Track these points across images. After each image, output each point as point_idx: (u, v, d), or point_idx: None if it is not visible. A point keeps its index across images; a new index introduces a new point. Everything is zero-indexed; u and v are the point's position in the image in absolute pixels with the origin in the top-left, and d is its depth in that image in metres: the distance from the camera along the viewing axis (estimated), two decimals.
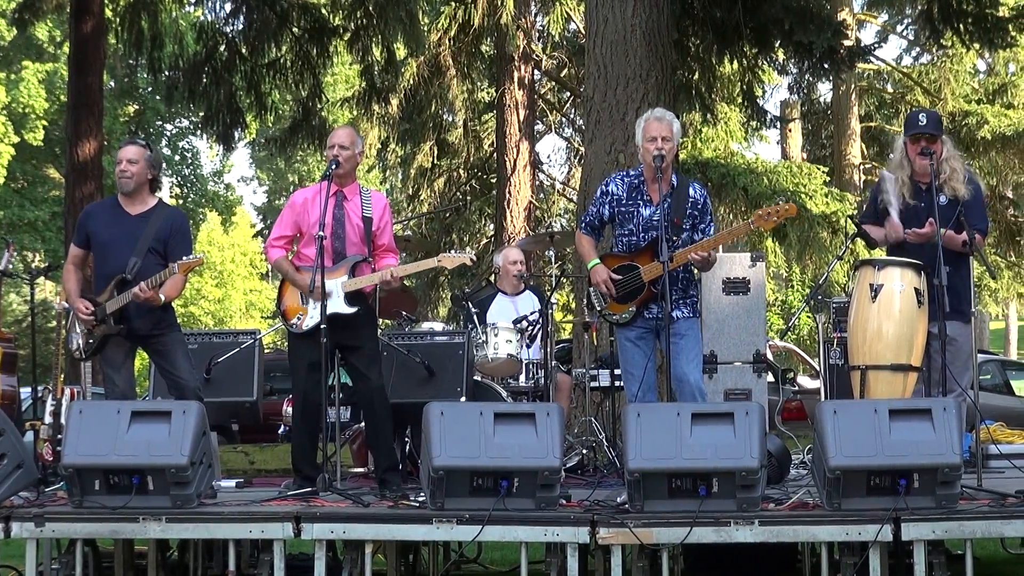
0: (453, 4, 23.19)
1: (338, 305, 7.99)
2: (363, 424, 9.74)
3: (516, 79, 23.76)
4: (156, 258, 8.17)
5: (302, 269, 8.17)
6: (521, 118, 23.81)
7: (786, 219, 8.47)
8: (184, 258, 8.05)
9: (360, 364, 8.24)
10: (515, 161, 23.67)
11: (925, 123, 8.21)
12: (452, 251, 8.32)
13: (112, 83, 34.66)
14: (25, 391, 12.18)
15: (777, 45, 15.89)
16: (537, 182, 25.86)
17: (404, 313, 10.40)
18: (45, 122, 35.83)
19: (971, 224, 7.92)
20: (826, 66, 15.94)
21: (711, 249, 7.94)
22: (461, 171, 27.11)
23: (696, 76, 17.33)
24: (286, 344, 8.91)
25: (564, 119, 28.63)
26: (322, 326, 7.73)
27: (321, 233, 7.84)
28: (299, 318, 8.13)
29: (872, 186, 8.76)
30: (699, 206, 8.08)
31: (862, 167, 28.41)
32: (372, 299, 8.41)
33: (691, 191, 8.10)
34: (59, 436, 9.30)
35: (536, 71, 25.29)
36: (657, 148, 7.88)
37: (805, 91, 26.76)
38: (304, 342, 8.06)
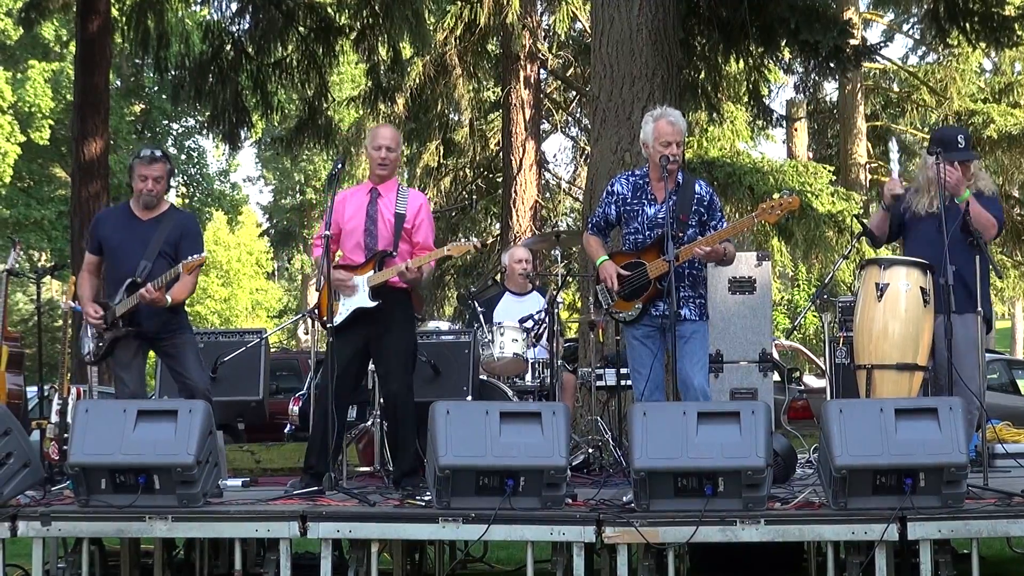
0: (459, 3, 23.18)
1: (362, 299, 8.09)
2: (369, 423, 9.77)
3: (522, 78, 23.76)
4: (167, 261, 8.20)
5: (340, 267, 8.29)
6: (527, 117, 23.81)
7: (790, 213, 8.46)
8: (189, 258, 8.07)
9: (385, 363, 8.26)
10: (521, 160, 23.67)
11: (964, 145, 8.18)
12: (461, 239, 8.37)
13: (118, 82, 34.69)
14: (31, 390, 12.22)
15: (783, 44, 15.86)
16: (543, 181, 25.86)
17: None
18: (51, 121, 35.86)
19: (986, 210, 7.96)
20: (832, 65, 15.91)
21: (717, 243, 7.92)
22: (467, 170, 27.13)
23: (702, 75, 17.32)
24: (293, 344, 8.94)
25: (570, 118, 28.65)
26: (328, 325, 7.80)
27: (327, 233, 7.93)
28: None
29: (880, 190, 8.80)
30: (705, 203, 8.07)
31: (868, 166, 28.42)
32: (407, 298, 8.39)
33: (696, 188, 8.09)
34: (65, 435, 9.34)
35: (542, 70, 25.30)
36: (673, 154, 7.88)
37: (811, 90, 26.77)
38: (336, 338, 8.11)
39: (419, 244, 8.29)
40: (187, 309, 8.62)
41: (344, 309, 8.15)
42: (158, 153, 8.45)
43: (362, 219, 8.21)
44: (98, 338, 8.35)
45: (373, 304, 8.10)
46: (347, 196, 8.44)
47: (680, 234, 7.88)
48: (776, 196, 8.06)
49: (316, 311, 8.53)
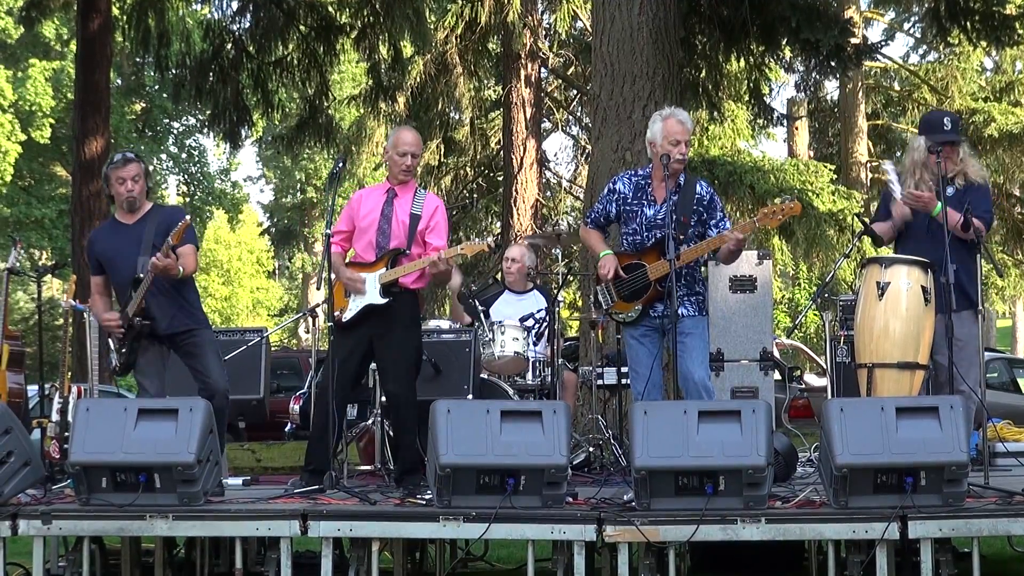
0: (460, 2, 23.20)
1: (372, 297, 8.09)
2: (370, 422, 9.76)
3: (523, 77, 23.78)
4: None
5: (351, 264, 8.31)
6: (528, 116, 23.83)
7: (791, 217, 8.44)
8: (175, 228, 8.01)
9: (389, 363, 8.24)
10: (522, 159, 23.69)
11: (950, 128, 8.18)
12: (473, 239, 8.40)
13: (119, 81, 34.70)
14: (32, 389, 12.21)
15: (784, 43, 15.88)
16: (544, 180, 25.87)
17: None
18: (52, 120, 35.87)
19: (979, 211, 7.92)
20: (833, 64, 15.92)
21: (719, 246, 7.91)
22: (468, 169, 27.14)
23: (703, 74, 17.33)
24: (293, 342, 8.92)
25: (571, 117, 28.67)
26: (329, 323, 7.79)
27: (327, 231, 7.92)
28: (341, 311, 8.20)
29: (883, 189, 8.77)
30: (705, 202, 8.06)
31: (869, 165, 28.42)
32: (415, 300, 8.39)
33: (697, 188, 8.09)
34: (66, 434, 9.34)
35: (543, 69, 25.31)
36: (681, 153, 7.90)
37: (812, 89, 26.79)
38: (342, 335, 8.13)
39: (433, 247, 8.28)
40: None
41: (354, 306, 8.17)
42: (130, 155, 8.45)
43: (376, 218, 8.23)
44: (119, 344, 8.34)
45: (383, 301, 8.11)
46: (364, 195, 8.49)
47: (680, 236, 7.87)
48: (778, 201, 8.06)
49: (326, 306, 8.50)
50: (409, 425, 8.21)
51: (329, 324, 7.86)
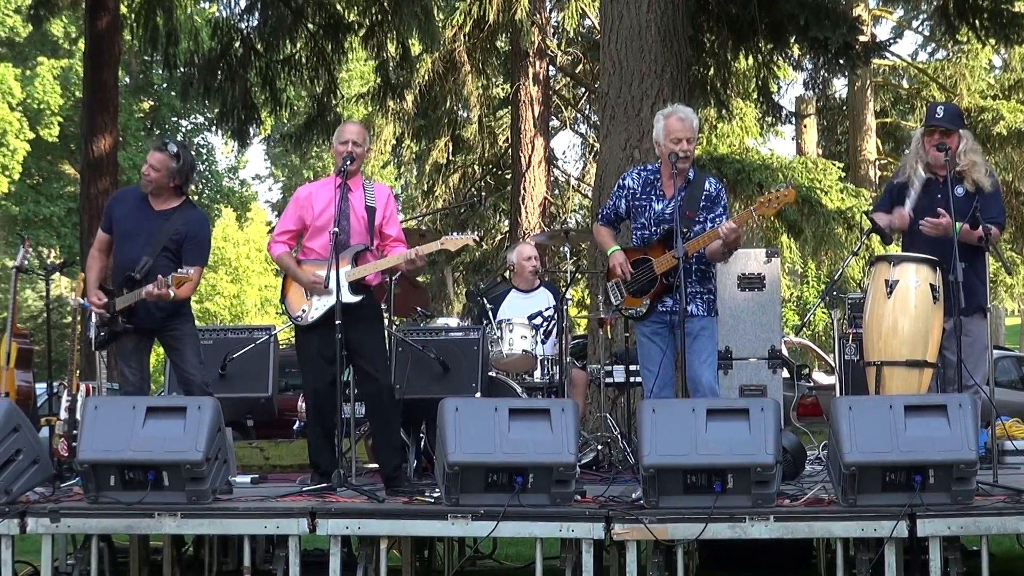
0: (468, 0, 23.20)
1: (343, 295, 7.93)
2: None
3: (531, 75, 23.76)
4: (168, 258, 8.11)
5: (304, 263, 8.23)
6: (536, 114, 23.80)
7: (790, 206, 8.40)
8: (179, 271, 7.95)
9: (364, 362, 8.21)
10: (530, 157, 23.67)
11: (941, 116, 8.14)
12: (454, 233, 8.34)
13: (127, 79, 34.69)
14: (40, 387, 12.21)
15: (792, 41, 15.88)
16: (552, 178, 25.84)
17: (419, 309, 10.42)
18: (60, 118, 35.88)
19: (989, 216, 7.87)
20: (841, 62, 15.91)
21: (716, 239, 7.86)
22: (476, 167, 27.13)
23: (711, 72, 17.32)
24: None
25: (579, 115, 28.62)
26: (337, 321, 7.72)
27: (335, 229, 7.86)
28: (303, 311, 8.14)
29: (889, 179, 8.72)
30: (712, 198, 8.06)
31: (877, 163, 28.38)
32: (379, 294, 8.38)
33: (706, 185, 8.09)
34: (74, 432, 9.34)
35: (551, 67, 25.29)
36: (683, 151, 7.86)
37: (820, 87, 26.71)
38: (309, 335, 8.11)
39: (392, 237, 8.26)
40: (196, 306, 8.59)
41: (320, 305, 8.08)
42: (170, 147, 8.34)
43: (334, 215, 8.05)
44: (100, 326, 8.34)
45: (356, 299, 8.04)
46: (314, 192, 8.34)
47: (685, 230, 7.86)
48: (773, 190, 8.05)
49: (287, 309, 8.40)
50: (397, 420, 8.30)
51: (338, 323, 7.77)
